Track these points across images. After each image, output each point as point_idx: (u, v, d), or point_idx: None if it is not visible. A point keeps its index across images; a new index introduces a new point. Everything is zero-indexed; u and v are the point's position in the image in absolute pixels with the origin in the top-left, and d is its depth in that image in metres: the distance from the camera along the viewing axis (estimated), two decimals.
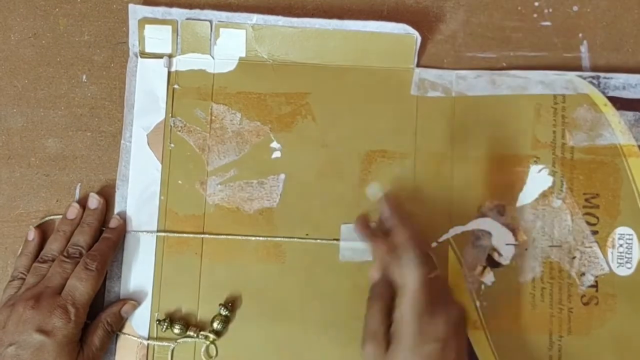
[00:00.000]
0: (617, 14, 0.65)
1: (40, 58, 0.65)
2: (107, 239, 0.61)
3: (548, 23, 0.64)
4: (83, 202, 0.63)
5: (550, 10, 0.65)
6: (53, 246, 0.61)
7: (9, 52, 0.65)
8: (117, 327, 0.60)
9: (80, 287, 0.57)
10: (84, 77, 0.64)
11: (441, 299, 0.51)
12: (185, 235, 0.62)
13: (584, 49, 0.64)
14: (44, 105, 0.64)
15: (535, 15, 0.65)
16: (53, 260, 0.60)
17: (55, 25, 0.65)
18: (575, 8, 0.65)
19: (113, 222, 0.62)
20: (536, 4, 0.65)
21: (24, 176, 0.64)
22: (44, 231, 0.63)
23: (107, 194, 0.63)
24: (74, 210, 0.62)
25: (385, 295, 0.52)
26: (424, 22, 0.65)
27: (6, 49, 0.65)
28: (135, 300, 0.61)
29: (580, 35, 0.64)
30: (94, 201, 0.62)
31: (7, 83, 0.65)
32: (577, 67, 0.64)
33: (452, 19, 0.65)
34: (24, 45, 0.65)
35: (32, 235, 0.62)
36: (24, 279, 0.60)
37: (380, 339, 0.51)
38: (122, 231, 0.62)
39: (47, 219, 0.63)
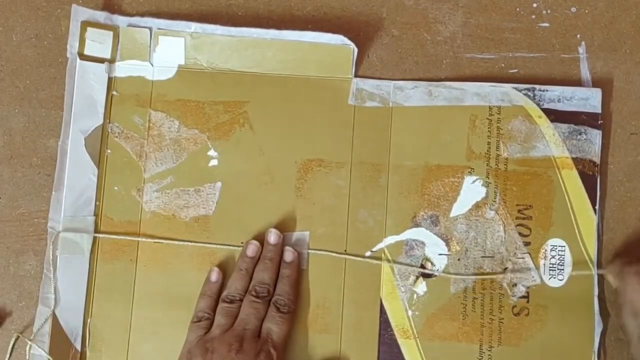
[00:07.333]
0: (615, 15, 0.65)
1: (42, 59, 0.65)
2: (288, 277, 0.61)
3: (546, 24, 0.65)
4: (259, 238, 0.62)
5: (549, 11, 0.65)
6: (238, 285, 0.60)
7: (11, 52, 0.65)
8: None
9: (277, 330, 0.58)
10: None
11: None
12: (120, 237, 0.62)
13: (582, 50, 0.65)
14: (46, 106, 0.65)
15: (533, 17, 0.65)
16: (240, 300, 0.60)
17: (57, 26, 0.65)
18: (573, 9, 0.65)
19: (287, 256, 0.61)
20: (534, 5, 0.65)
21: (26, 176, 0.64)
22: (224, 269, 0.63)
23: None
24: (253, 248, 0.61)
25: None
26: (422, 24, 0.65)
27: (8, 49, 0.65)
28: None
29: (579, 36, 0.65)
30: (274, 236, 0.61)
31: (9, 83, 0.65)
32: (575, 68, 0.64)
33: (451, 21, 0.65)
34: (25, 46, 0.65)
35: (216, 277, 0.61)
36: (209, 319, 0.60)
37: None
38: (298, 265, 0.62)
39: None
